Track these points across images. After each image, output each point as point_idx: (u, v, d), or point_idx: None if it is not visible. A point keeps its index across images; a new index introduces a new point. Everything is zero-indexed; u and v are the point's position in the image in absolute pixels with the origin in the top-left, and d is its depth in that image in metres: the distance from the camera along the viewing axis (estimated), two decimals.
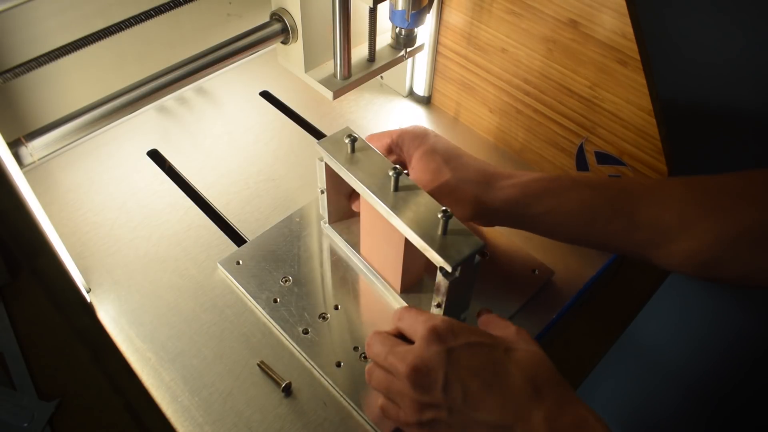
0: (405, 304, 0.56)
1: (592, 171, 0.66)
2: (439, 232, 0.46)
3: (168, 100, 0.77)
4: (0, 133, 0.46)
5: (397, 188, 0.50)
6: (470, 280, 0.50)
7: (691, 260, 0.47)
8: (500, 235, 0.64)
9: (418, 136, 0.55)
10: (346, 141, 0.52)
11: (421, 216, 0.48)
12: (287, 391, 0.52)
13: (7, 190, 0.47)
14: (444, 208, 0.46)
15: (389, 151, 0.57)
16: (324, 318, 0.56)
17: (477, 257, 0.47)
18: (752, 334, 0.91)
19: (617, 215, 0.49)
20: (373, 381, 0.47)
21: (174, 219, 0.65)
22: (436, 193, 0.51)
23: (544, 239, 0.64)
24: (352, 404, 0.51)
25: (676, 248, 0.47)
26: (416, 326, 0.45)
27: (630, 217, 0.48)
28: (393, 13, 0.61)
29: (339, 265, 0.61)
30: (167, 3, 0.58)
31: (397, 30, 0.65)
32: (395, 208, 0.49)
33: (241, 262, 0.60)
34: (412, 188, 0.50)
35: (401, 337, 0.47)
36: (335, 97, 0.64)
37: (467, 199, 0.52)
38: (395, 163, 0.57)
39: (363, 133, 0.74)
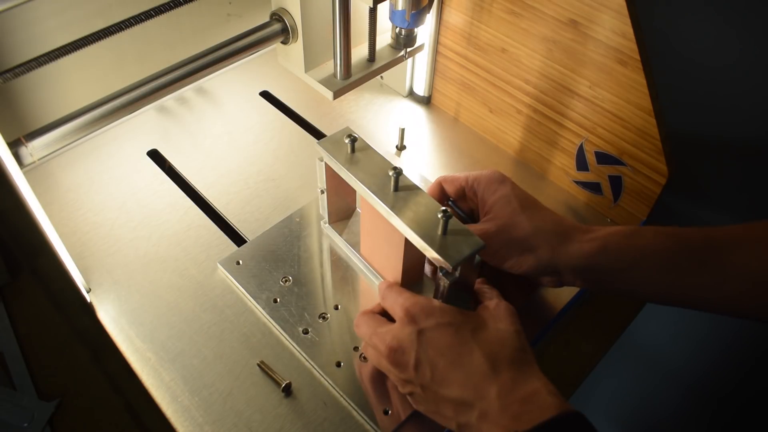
0: None
1: (592, 171, 0.66)
2: (439, 232, 0.46)
3: (168, 100, 0.77)
4: (0, 133, 0.46)
5: (397, 188, 0.50)
6: (470, 280, 0.50)
7: None
8: None
9: (495, 180, 0.53)
10: (346, 141, 0.52)
11: (421, 216, 0.48)
12: (287, 391, 0.52)
13: (7, 190, 0.47)
14: (444, 208, 0.46)
15: (461, 193, 0.56)
16: (324, 318, 0.56)
17: (477, 257, 0.47)
18: (752, 334, 0.91)
19: (705, 267, 0.46)
20: (368, 357, 0.50)
21: (174, 219, 0.65)
22: (510, 241, 0.50)
23: None
24: (352, 404, 0.51)
25: None
26: (395, 307, 0.48)
27: (720, 267, 0.46)
28: (393, 13, 0.61)
29: (339, 265, 0.61)
30: (167, 3, 0.58)
31: (397, 30, 0.65)
32: (395, 208, 0.49)
33: (241, 262, 0.60)
34: (411, 188, 0.50)
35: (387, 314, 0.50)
36: (335, 97, 0.64)
37: (542, 250, 0.50)
38: (465, 209, 0.57)
39: (363, 133, 0.74)
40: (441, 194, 0.57)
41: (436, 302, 0.47)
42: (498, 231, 0.51)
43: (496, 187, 0.53)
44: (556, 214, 0.52)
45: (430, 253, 0.46)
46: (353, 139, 0.52)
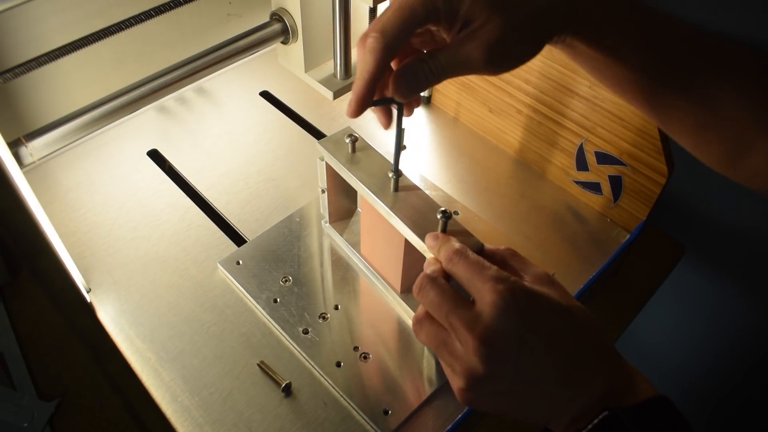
0: (405, 305, 0.56)
1: (592, 171, 0.66)
2: (439, 232, 0.46)
3: (168, 100, 0.77)
4: (0, 133, 0.46)
5: (397, 188, 0.50)
6: None
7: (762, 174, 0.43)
8: (500, 235, 0.64)
9: None
10: (347, 141, 0.52)
11: (420, 216, 0.48)
12: (287, 391, 0.52)
13: (7, 190, 0.47)
14: (443, 208, 0.46)
15: (417, 19, 0.38)
16: (324, 318, 0.56)
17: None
18: (752, 335, 0.91)
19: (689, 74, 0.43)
20: (422, 334, 0.41)
21: (174, 219, 0.65)
22: (521, 25, 0.38)
23: (543, 239, 0.65)
24: (352, 404, 0.51)
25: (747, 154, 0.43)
26: (479, 285, 0.39)
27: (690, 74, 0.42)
28: None
29: (339, 265, 0.61)
30: (167, 3, 0.58)
31: None
32: (395, 208, 0.49)
33: (241, 262, 0.60)
34: (411, 188, 0.50)
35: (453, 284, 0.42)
36: (335, 97, 0.64)
37: (541, 16, 0.39)
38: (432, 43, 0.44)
39: (363, 133, 0.74)
40: (397, 38, 0.38)
41: (530, 285, 0.40)
42: (501, 28, 0.38)
43: None
44: None
45: (429, 255, 0.46)
46: (354, 139, 0.52)
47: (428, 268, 0.43)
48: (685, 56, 0.44)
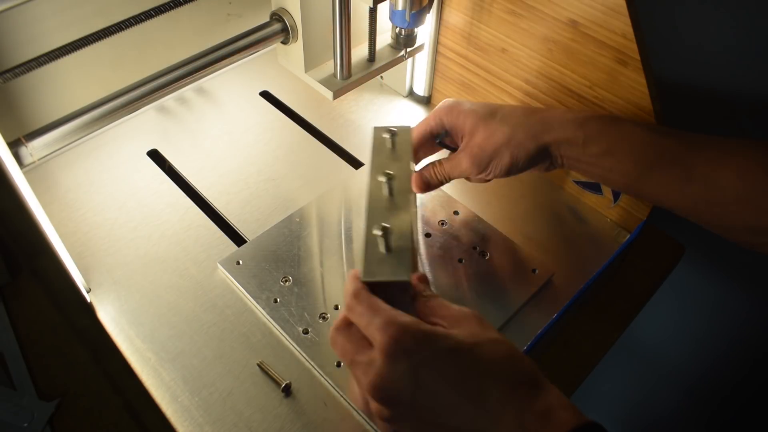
0: None
1: None
2: (381, 248, 0.43)
3: (168, 100, 0.77)
4: (0, 133, 0.46)
5: (391, 193, 0.48)
6: (401, 306, 0.42)
7: (753, 231, 0.45)
8: (500, 235, 0.64)
9: (449, 106, 0.55)
10: (387, 136, 0.53)
11: (395, 226, 0.45)
12: (287, 391, 0.52)
13: (7, 190, 0.47)
14: (385, 225, 0.42)
15: (428, 134, 0.57)
16: (324, 318, 0.56)
17: (411, 292, 0.43)
18: (752, 335, 0.91)
19: (675, 164, 0.47)
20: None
21: (174, 219, 0.65)
22: (497, 150, 0.52)
23: (544, 239, 0.65)
24: (352, 404, 0.51)
25: (735, 212, 0.45)
26: (371, 330, 0.40)
27: (687, 168, 0.47)
28: (393, 13, 0.61)
29: (338, 264, 0.61)
30: (167, 3, 0.58)
31: (397, 30, 0.65)
32: (371, 211, 0.46)
33: (241, 262, 0.60)
34: (404, 197, 0.48)
35: None
36: (335, 97, 0.64)
37: (529, 142, 0.51)
38: (451, 143, 0.57)
39: (363, 133, 0.74)
40: (418, 144, 0.57)
41: (425, 325, 0.40)
42: (481, 146, 0.52)
43: (455, 110, 0.54)
44: (521, 105, 0.54)
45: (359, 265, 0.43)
46: (393, 134, 0.53)
47: (337, 319, 0.43)
48: (677, 154, 0.48)
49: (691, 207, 0.48)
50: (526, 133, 0.51)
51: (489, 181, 0.56)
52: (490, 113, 0.53)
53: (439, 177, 0.57)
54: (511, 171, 0.53)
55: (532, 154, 0.52)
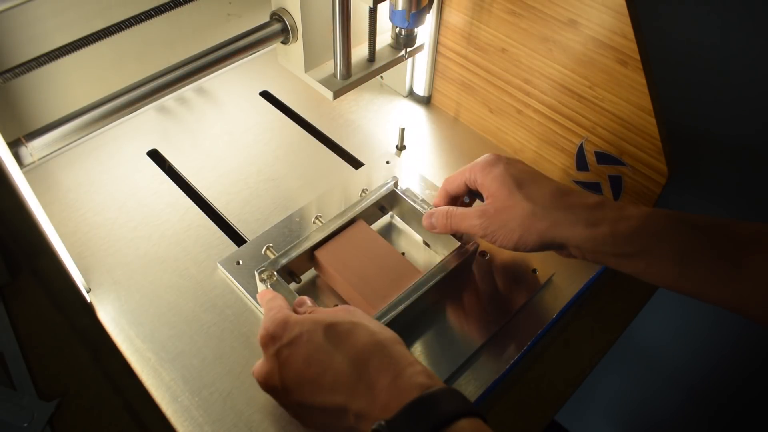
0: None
1: (592, 171, 0.66)
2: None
3: (168, 100, 0.77)
4: (0, 133, 0.46)
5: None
6: None
7: None
8: None
9: (489, 163, 0.53)
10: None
11: None
12: None
13: (7, 190, 0.47)
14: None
15: (464, 189, 0.56)
16: None
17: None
18: (754, 336, 0.91)
19: (720, 261, 0.44)
20: None
21: (174, 219, 0.65)
22: (510, 221, 0.50)
23: None
24: None
25: None
26: (261, 330, 0.48)
27: (735, 263, 0.43)
28: (393, 13, 0.61)
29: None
30: (167, 3, 0.58)
31: (397, 30, 0.65)
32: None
33: (241, 262, 0.60)
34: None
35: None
36: (335, 97, 0.64)
37: (544, 228, 0.49)
38: (474, 196, 0.58)
39: (363, 132, 0.74)
40: (447, 199, 0.58)
41: (292, 316, 0.47)
42: (496, 212, 0.51)
43: (489, 169, 0.53)
44: (559, 184, 0.51)
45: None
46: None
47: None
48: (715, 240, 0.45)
49: (744, 303, 0.44)
50: (544, 222, 0.49)
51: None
52: (519, 184, 0.50)
53: (444, 227, 0.56)
54: (517, 248, 0.51)
55: (545, 243, 0.50)
